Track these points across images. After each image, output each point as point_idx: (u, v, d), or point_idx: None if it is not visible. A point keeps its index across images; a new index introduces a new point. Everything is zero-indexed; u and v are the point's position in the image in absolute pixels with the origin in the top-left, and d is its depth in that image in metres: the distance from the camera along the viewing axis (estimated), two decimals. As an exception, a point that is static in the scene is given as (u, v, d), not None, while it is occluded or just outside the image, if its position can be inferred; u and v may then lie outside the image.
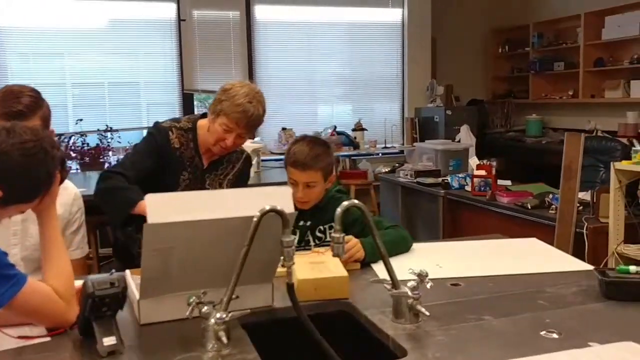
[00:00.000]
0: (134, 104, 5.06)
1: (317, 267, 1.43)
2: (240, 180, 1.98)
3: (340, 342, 1.29)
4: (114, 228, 1.94)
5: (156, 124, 1.89)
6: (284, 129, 5.23)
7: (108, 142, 4.68)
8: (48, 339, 1.17)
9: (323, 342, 1.12)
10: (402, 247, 1.73)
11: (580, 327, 1.19)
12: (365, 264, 1.61)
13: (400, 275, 1.26)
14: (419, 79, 5.64)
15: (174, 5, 5.02)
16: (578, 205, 2.74)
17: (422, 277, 1.23)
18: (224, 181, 1.94)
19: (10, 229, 1.54)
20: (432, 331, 1.18)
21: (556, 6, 5.63)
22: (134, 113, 5.03)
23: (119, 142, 4.72)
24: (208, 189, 1.87)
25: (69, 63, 4.88)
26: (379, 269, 1.53)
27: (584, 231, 2.61)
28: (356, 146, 5.29)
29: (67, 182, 1.71)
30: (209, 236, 1.16)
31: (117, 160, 3.07)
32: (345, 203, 1.21)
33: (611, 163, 2.68)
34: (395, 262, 1.57)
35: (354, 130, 5.40)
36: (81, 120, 4.71)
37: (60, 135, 4.53)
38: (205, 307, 1.11)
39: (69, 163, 4.48)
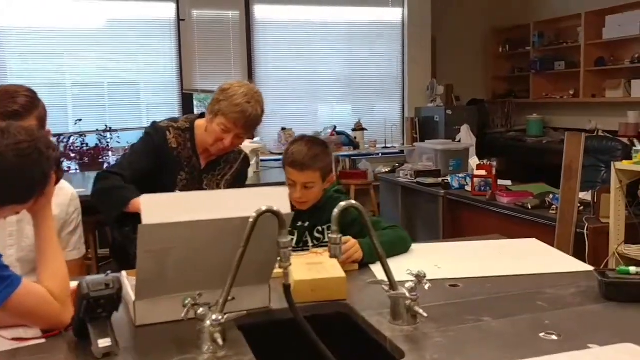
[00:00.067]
0: (134, 104, 5.06)
1: (314, 268, 1.42)
2: (238, 181, 1.97)
3: (337, 344, 1.28)
4: (112, 229, 1.93)
5: (153, 123, 1.89)
6: (283, 129, 5.22)
7: (107, 142, 4.67)
8: (43, 340, 1.16)
9: (320, 344, 1.11)
10: (400, 248, 1.72)
11: (579, 329, 1.18)
12: (364, 264, 1.60)
13: (398, 276, 1.25)
14: (419, 79, 5.63)
15: (173, 5, 5.02)
16: (579, 205, 2.73)
17: (420, 278, 1.22)
18: (222, 181, 1.93)
19: (6, 230, 1.53)
20: (430, 333, 1.17)
21: (557, 5, 5.61)
22: (133, 113, 5.02)
23: (118, 142, 4.72)
24: (205, 189, 1.86)
25: (69, 63, 4.88)
26: (377, 269, 1.52)
27: (585, 231, 2.60)
28: (356, 146, 5.28)
29: (63, 183, 1.71)
30: (204, 237, 1.15)
31: (117, 161, 3.06)
32: (342, 204, 1.20)
33: (612, 163, 2.67)
34: (393, 262, 1.56)
35: (353, 130, 5.40)
36: (80, 120, 4.70)
37: (59, 135, 4.52)
38: (201, 309, 1.10)
39: (68, 163, 4.48)
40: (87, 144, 4.58)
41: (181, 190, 1.82)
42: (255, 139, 4.57)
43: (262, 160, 4.31)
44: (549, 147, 5.17)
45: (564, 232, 2.71)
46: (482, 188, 3.29)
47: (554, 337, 1.13)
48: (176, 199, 1.20)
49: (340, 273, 1.39)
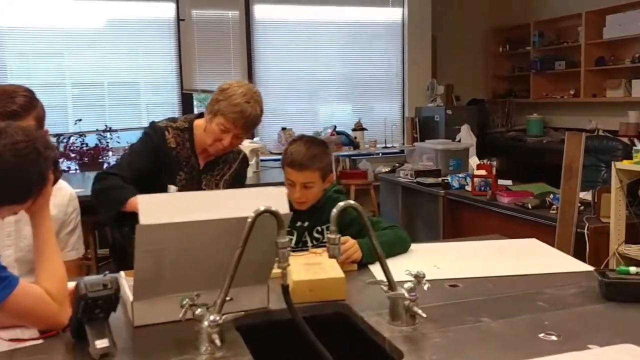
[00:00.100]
0: (134, 104, 5.05)
1: (313, 268, 1.41)
2: (237, 181, 1.96)
3: (336, 345, 1.27)
4: (112, 229, 1.93)
5: (152, 123, 1.88)
6: (283, 128, 5.21)
7: (107, 142, 4.67)
8: (40, 341, 1.15)
9: (318, 344, 1.11)
10: (399, 248, 1.72)
11: (579, 329, 1.18)
12: (363, 265, 1.59)
13: (397, 277, 1.24)
14: (419, 79, 5.63)
15: (172, 5, 5.01)
16: (579, 205, 2.72)
17: (419, 278, 1.22)
18: (221, 181, 1.92)
19: (4, 230, 1.53)
20: (429, 333, 1.16)
21: (557, 5, 5.60)
22: (133, 113, 5.02)
23: (118, 142, 4.71)
24: (204, 189, 1.86)
25: (69, 63, 4.88)
26: (376, 270, 1.52)
27: (585, 231, 2.59)
28: (356, 146, 5.28)
29: (62, 183, 1.70)
30: (202, 237, 1.15)
31: (116, 161, 3.07)
32: (341, 204, 1.19)
33: (612, 163, 2.66)
34: (392, 263, 1.55)
35: (353, 130, 5.39)
36: (80, 120, 4.70)
37: (59, 135, 4.52)
38: (199, 310, 1.09)
39: (68, 163, 4.47)
40: (86, 144, 4.58)
41: (180, 190, 1.81)
42: (255, 139, 4.57)
43: (262, 160, 4.31)
44: (549, 147, 5.16)
45: (564, 232, 2.70)
46: (482, 188, 3.28)
47: (554, 338, 1.13)
48: (174, 199, 1.19)
49: (339, 273, 1.39)
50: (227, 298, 1.11)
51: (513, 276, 1.52)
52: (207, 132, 1.81)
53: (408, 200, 4.00)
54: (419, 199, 3.84)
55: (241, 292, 1.23)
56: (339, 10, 5.47)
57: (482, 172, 3.34)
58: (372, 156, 5.33)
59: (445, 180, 3.62)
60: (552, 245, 2.53)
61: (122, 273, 1.42)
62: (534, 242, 1.88)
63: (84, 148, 4.55)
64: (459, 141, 4.90)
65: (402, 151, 5.53)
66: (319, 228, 1.82)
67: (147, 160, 1.80)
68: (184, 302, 1.10)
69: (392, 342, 1.14)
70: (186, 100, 5.11)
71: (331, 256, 1.18)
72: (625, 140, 3.93)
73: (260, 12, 5.28)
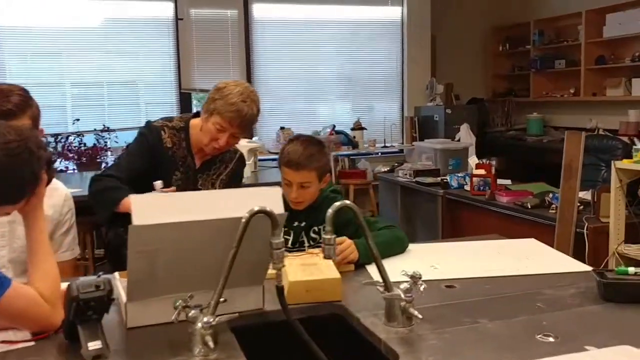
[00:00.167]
0: (132, 104, 5.05)
1: (309, 268, 1.40)
2: (233, 180, 1.95)
3: (332, 346, 1.26)
4: (107, 230, 1.92)
5: (148, 123, 1.87)
6: (282, 128, 5.20)
7: (105, 142, 4.66)
8: (32, 343, 1.14)
9: (313, 345, 1.10)
10: (397, 248, 1.71)
11: (577, 330, 1.17)
12: (360, 265, 1.58)
13: (394, 277, 1.23)
14: (419, 78, 5.61)
15: (171, 4, 5.00)
16: (578, 204, 2.71)
17: (415, 279, 1.21)
18: (217, 181, 1.91)
19: (-3, 231, 1.52)
20: (425, 335, 1.15)
21: (557, 4, 5.59)
22: (132, 113, 5.01)
23: (116, 142, 4.70)
24: (200, 189, 1.85)
25: (67, 63, 4.87)
26: (373, 270, 1.50)
27: (585, 231, 2.58)
28: (355, 145, 5.26)
29: (57, 183, 1.69)
30: (196, 238, 1.14)
31: (113, 162, 3.06)
32: (336, 204, 1.18)
33: (612, 162, 2.64)
34: (389, 263, 1.55)
35: (352, 129, 5.38)
36: (78, 120, 4.69)
37: (57, 135, 4.51)
38: (192, 311, 1.08)
39: (66, 163, 4.46)
40: (84, 144, 4.57)
41: (176, 190, 1.80)
42: (254, 139, 4.56)
43: (260, 160, 4.30)
44: (549, 146, 5.15)
45: (563, 232, 2.69)
46: (482, 187, 3.27)
47: (551, 339, 1.12)
48: (167, 199, 1.18)
49: (335, 274, 1.37)
50: (221, 299, 1.10)
51: (511, 276, 1.51)
52: (203, 131, 1.80)
53: (407, 200, 3.99)
54: (418, 199, 3.83)
55: (236, 293, 1.22)
56: (338, 9, 5.45)
57: (481, 171, 3.33)
58: (371, 156, 5.32)
59: (444, 180, 3.61)
60: (552, 245, 2.51)
61: (116, 274, 1.41)
62: (532, 242, 1.87)
63: (82, 148, 4.54)
64: (459, 140, 4.89)
65: (401, 150, 5.52)
66: (315, 228, 1.80)
67: (142, 161, 1.79)
68: (177, 304, 1.08)
69: (388, 344, 1.12)
70: (184, 100, 5.09)
71: (326, 257, 1.18)
72: (625, 139, 3.91)
73: (259, 11, 5.27)
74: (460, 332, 1.16)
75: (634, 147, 2.80)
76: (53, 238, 1.65)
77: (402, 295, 1.18)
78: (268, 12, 5.29)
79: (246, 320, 1.26)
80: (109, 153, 4.61)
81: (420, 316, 1.15)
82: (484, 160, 3.52)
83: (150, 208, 1.10)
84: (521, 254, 1.73)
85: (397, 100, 5.77)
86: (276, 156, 4.85)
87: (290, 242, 1.80)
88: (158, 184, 1.65)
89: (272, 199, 1.16)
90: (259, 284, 1.30)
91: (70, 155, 4.48)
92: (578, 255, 2.50)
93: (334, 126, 5.34)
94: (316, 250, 1.59)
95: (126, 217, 1.48)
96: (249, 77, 5.22)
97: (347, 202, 1.21)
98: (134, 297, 1.20)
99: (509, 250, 1.78)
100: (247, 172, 3.72)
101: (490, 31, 6.30)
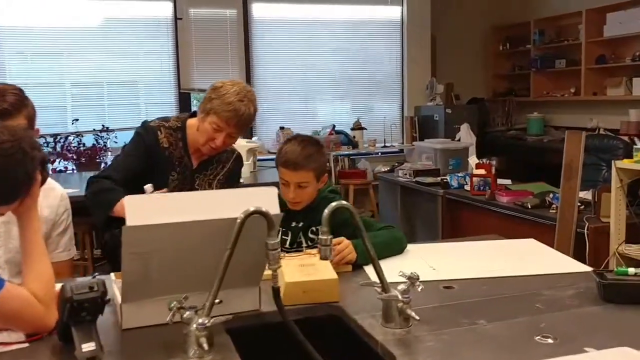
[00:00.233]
0: (132, 104, 5.04)
1: (306, 269, 1.39)
2: (231, 180, 1.94)
3: (329, 347, 1.25)
4: (103, 231, 1.91)
5: (144, 123, 1.86)
6: (281, 128, 5.19)
7: (104, 142, 4.65)
8: (26, 344, 1.13)
9: (309, 346, 1.08)
10: (395, 249, 1.69)
11: (576, 332, 1.15)
12: (358, 266, 1.57)
13: (392, 278, 1.22)
14: (419, 77, 5.60)
15: (170, 4, 4.99)
16: (579, 204, 2.70)
17: (412, 279, 1.19)
18: (214, 181, 1.90)
19: (-7, 231, 1.51)
20: (423, 336, 1.14)
21: (557, 3, 5.57)
22: (132, 113, 5.00)
23: (116, 142, 4.69)
24: (197, 189, 1.83)
25: (68, 63, 4.87)
26: (371, 271, 1.48)
27: (585, 231, 2.57)
28: (355, 145, 5.25)
29: (53, 183, 1.68)
30: (190, 239, 1.12)
31: (110, 163, 3.05)
32: (332, 204, 1.17)
33: (612, 161, 2.63)
34: (388, 263, 1.54)
35: (352, 129, 5.37)
36: (77, 120, 4.68)
37: (56, 135, 4.51)
38: (187, 313, 1.07)
39: (65, 163, 4.46)
40: (84, 144, 4.56)
41: (172, 190, 1.79)
42: (253, 139, 4.55)
43: (259, 160, 4.29)
44: (549, 146, 5.13)
45: (564, 232, 2.67)
46: (482, 187, 3.25)
47: (550, 341, 1.10)
48: (161, 199, 1.17)
49: (333, 275, 1.36)
50: (217, 300, 1.09)
51: (510, 277, 1.50)
52: (200, 131, 1.79)
53: (407, 200, 3.97)
54: (418, 199, 3.81)
55: (232, 294, 1.21)
56: (337, 8, 5.44)
57: (481, 171, 3.31)
58: (371, 155, 5.31)
59: (444, 180, 3.59)
60: (552, 245, 2.50)
61: (112, 275, 1.40)
62: (531, 242, 1.85)
63: (81, 148, 4.53)
64: (459, 140, 4.88)
65: (401, 150, 5.51)
66: (313, 228, 1.79)
67: (139, 161, 1.78)
68: (172, 305, 1.07)
69: (385, 346, 1.11)
70: (184, 100, 5.09)
71: (322, 258, 1.16)
72: (626, 139, 3.89)
73: (258, 10, 5.26)
74: (458, 334, 1.15)
75: (635, 146, 2.79)
76: (50, 238, 1.64)
77: (399, 297, 1.17)
78: (267, 11, 5.28)
79: (242, 322, 1.25)
80: (108, 153, 4.60)
81: (417, 317, 1.13)
82: (484, 160, 3.51)
83: (144, 209, 1.09)
84: (520, 255, 1.72)
85: (397, 100, 5.76)
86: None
87: (288, 243, 1.79)
88: (148, 187, 1.63)
89: (267, 199, 1.15)
90: (255, 285, 1.29)
91: (70, 155, 4.47)
92: (579, 255, 2.49)
93: (334, 126, 5.32)
94: (314, 250, 1.58)
95: (121, 218, 1.47)
96: (249, 77, 5.21)
97: (344, 202, 1.20)
98: (128, 298, 1.19)
99: (508, 250, 1.77)
100: (246, 172, 3.71)
101: (490, 30, 6.28)
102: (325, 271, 1.38)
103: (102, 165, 4.39)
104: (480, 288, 1.42)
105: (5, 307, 1.10)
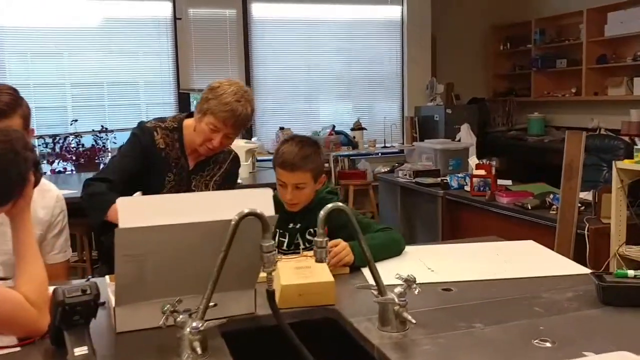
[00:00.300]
0: (132, 104, 5.03)
1: (302, 272, 1.37)
2: (228, 181, 1.93)
3: (325, 351, 1.24)
4: (99, 233, 1.89)
5: (140, 124, 1.85)
6: (281, 128, 5.18)
7: (103, 142, 4.64)
8: (18, 349, 1.12)
9: (304, 350, 1.07)
10: (393, 250, 1.68)
11: (575, 335, 1.14)
12: (355, 268, 1.56)
13: (390, 280, 1.21)
14: (419, 77, 5.58)
15: (169, 4, 4.98)
16: (579, 205, 2.68)
17: (409, 282, 1.18)
18: (210, 182, 1.88)
19: (-12, 233, 1.50)
20: (419, 340, 1.13)
21: (558, 2, 5.56)
22: (132, 113, 4.99)
23: (115, 143, 4.68)
24: (194, 190, 1.82)
25: (68, 63, 4.86)
26: (369, 273, 1.47)
27: (585, 232, 2.55)
28: (355, 146, 5.24)
29: (49, 184, 1.68)
30: (184, 241, 1.11)
31: (106, 164, 3.04)
32: (328, 206, 1.16)
33: (613, 162, 2.61)
34: (386, 265, 1.53)
35: (352, 129, 5.35)
36: (76, 121, 4.68)
37: (55, 136, 4.50)
38: (181, 316, 1.06)
39: (64, 164, 4.45)
40: (83, 145, 4.55)
41: (169, 191, 1.78)
42: (253, 139, 4.54)
43: (259, 161, 4.28)
44: (550, 146, 5.11)
45: (564, 233, 2.66)
46: (482, 188, 3.24)
47: (548, 345, 1.09)
48: (155, 201, 1.16)
49: (329, 277, 1.35)
50: (212, 304, 1.07)
51: (508, 279, 1.48)
52: (196, 131, 1.77)
53: (407, 201, 3.96)
54: (418, 200, 3.80)
55: (227, 297, 1.20)
56: (337, 8, 5.43)
57: (481, 172, 3.30)
58: (371, 156, 5.29)
59: (444, 181, 3.58)
60: (552, 246, 2.49)
61: (107, 277, 1.39)
62: (530, 244, 1.84)
63: (80, 149, 4.52)
64: (459, 141, 4.86)
65: (401, 151, 5.49)
66: (311, 230, 1.78)
67: (135, 162, 1.77)
68: (165, 308, 1.06)
69: (381, 349, 1.10)
70: (183, 100, 5.07)
71: (318, 260, 1.15)
72: (627, 139, 3.87)
73: (257, 10, 5.25)
74: (455, 337, 1.14)
75: (635, 147, 2.77)
76: (45, 240, 1.63)
77: (396, 300, 1.16)
78: (267, 11, 5.27)
79: (237, 325, 1.24)
80: (107, 154, 4.59)
81: (413, 321, 1.12)
82: (484, 161, 3.49)
83: (137, 210, 1.08)
84: (519, 256, 1.70)
85: (397, 100, 5.75)
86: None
87: (285, 244, 1.77)
88: (137, 195, 1.62)
89: (262, 201, 1.14)
90: (250, 287, 1.28)
91: (69, 156, 4.46)
92: (579, 256, 2.47)
93: (334, 126, 5.31)
94: (311, 252, 1.56)
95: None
96: (248, 77, 5.19)
97: (340, 204, 1.19)
98: (122, 302, 1.17)
99: (507, 252, 1.75)
100: (245, 172, 3.70)
101: (490, 30, 6.26)
102: (321, 274, 1.36)
103: (101, 166, 4.38)
104: (478, 290, 1.40)
105: (-3, 310, 1.09)
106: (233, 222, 1.05)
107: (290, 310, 1.29)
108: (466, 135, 4.95)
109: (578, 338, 1.12)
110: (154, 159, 1.79)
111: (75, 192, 2.51)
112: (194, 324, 1.04)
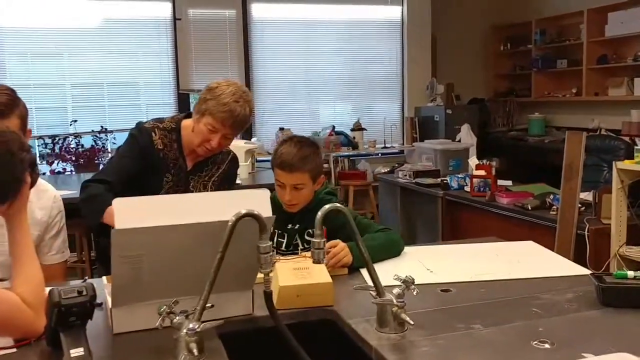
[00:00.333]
0: (132, 105, 5.03)
1: (300, 273, 1.37)
2: (226, 182, 1.92)
3: (323, 352, 1.23)
4: (96, 234, 1.89)
5: (138, 124, 1.84)
6: (281, 129, 5.17)
7: (103, 143, 4.64)
8: (14, 350, 1.11)
9: (301, 351, 1.07)
10: (392, 251, 1.68)
11: (574, 337, 1.13)
12: (354, 269, 1.55)
13: (389, 281, 1.20)
14: (419, 78, 5.58)
15: (169, 4, 4.98)
16: (580, 206, 2.67)
17: (408, 283, 1.17)
18: (209, 183, 1.88)
19: (-15, 234, 1.49)
20: (418, 341, 1.12)
21: (558, 3, 5.55)
22: (132, 113, 4.98)
23: (114, 144, 4.68)
24: (192, 191, 1.81)
25: (68, 63, 4.86)
26: (367, 274, 1.47)
27: (586, 233, 2.54)
28: (355, 146, 5.23)
29: (46, 185, 1.67)
30: (181, 242, 1.11)
31: (104, 165, 3.04)
32: (326, 206, 1.15)
33: (613, 162, 2.60)
34: (384, 266, 1.52)
35: (352, 130, 5.34)
36: (75, 121, 4.67)
37: (54, 136, 4.50)
38: (177, 317, 1.05)
39: (63, 165, 4.45)
40: (82, 145, 4.55)
41: (167, 192, 1.77)
42: (252, 140, 4.53)
43: (259, 161, 4.27)
44: (551, 147, 5.11)
45: (564, 234, 2.65)
46: (482, 188, 3.23)
47: (547, 346, 1.08)
48: (151, 202, 1.15)
49: (327, 278, 1.34)
50: (209, 305, 1.07)
51: (507, 280, 1.48)
52: (195, 132, 1.77)
53: (407, 201, 3.95)
54: (418, 200, 3.79)
55: (224, 298, 1.20)
56: (337, 8, 5.42)
57: (482, 172, 3.29)
58: (371, 156, 5.29)
59: (445, 181, 3.57)
60: (552, 247, 2.48)
61: (104, 278, 1.38)
62: (530, 244, 1.83)
63: (80, 149, 4.52)
64: (459, 141, 4.85)
65: (401, 151, 5.48)
66: (310, 231, 1.77)
67: (133, 163, 1.76)
68: (161, 310, 1.05)
69: (379, 351, 1.09)
70: (183, 101, 5.07)
71: (315, 261, 1.14)
72: (628, 139, 3.87)
73: (257, 10, 5.24)
74: (454, 338, 1.13)
75: (636, 147, 2.76)
76: (43, 241, 1.63)
77: (394, 301, 1.15)
78: (267, 12, 5.26)
79: (235, 326, 1.23)
80: (107, 154, 4.59)
81: (411, 322, 1.11)
82: (484, 161, 3.48)
83: (134, 211, 1.07)
84: (519, 257, 1.70)
85: (397, 101, 5.74)
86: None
87: (284, 245, 1.77)
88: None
89: (259, 202, 1.14)
90: (248, 288, 1.27)
91: (68, 156, 4.46)
92: (579, 257, 2.46)
93: (334, 127, 5.30)
94: (309, 253, 1.56)
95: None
96: (248, 78, 5.19)
97: (337, 204, 1.18)
98: (119, 303, 1.17)
99: (506, 253, 1.74)
100: (245, 173, 3.69)
101: (491, 30, 6.26)
102: (319, 275, 1.36)
103: (101, 166, 4.37)
104: (477, 291, 1.40)
105: (-7, 311, 1.09)
106: (230, 223, 1.04)
107: (288, 311, 1.28)
108: (466, 136, 4.95)
109: (577, 339, 1.12)
110: (152, 160, 1.78)
111: (74, 192, 2.51)
112: (191, 325, 1.04)
